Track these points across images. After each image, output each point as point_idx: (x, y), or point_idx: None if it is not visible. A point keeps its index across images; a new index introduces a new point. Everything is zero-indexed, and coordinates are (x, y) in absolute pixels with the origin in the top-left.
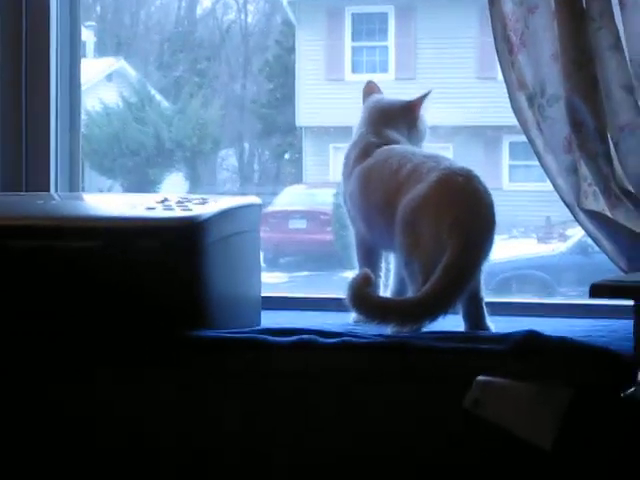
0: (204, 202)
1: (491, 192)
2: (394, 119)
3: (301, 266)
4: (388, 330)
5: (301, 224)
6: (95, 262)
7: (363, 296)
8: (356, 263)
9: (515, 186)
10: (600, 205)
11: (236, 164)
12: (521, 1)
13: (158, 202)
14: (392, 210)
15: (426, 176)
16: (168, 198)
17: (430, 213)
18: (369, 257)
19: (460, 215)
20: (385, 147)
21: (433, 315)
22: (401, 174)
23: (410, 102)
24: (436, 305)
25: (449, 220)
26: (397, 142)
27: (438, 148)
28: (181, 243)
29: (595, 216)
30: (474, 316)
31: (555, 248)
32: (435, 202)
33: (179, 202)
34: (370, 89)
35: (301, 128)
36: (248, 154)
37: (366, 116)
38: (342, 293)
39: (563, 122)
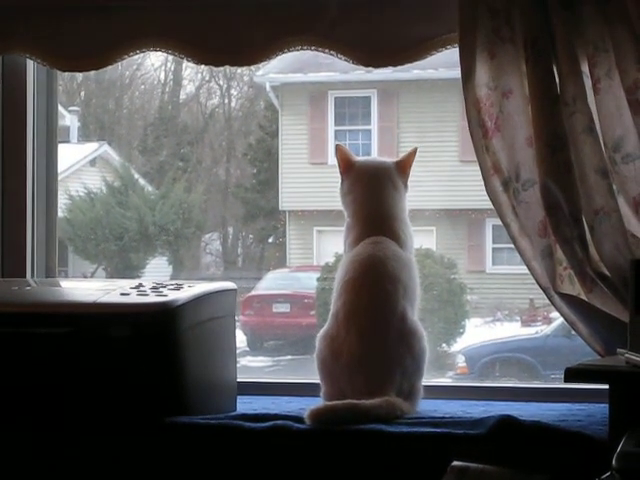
0: (179, 287)
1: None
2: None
3: (285, 350)
4: None
5: (285, 308)
6: (68, 348)
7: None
8: None
9: (498, 269)
10: (576, 289)
11: (220, 248)
12: (495, 85)
13: (133, 288)
14: None
15: None
16: (143, 284)
17: None
18: None
19: None
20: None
21: None
22: None
23: (401, 161)
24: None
25: None
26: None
27: (422, 231)
28: (154, 328)
29: (571, 300)
30: None
31: (539, 331)
32: None
33: (154, 288)
34: (343, 154)
35: (285, 212)
36: (232, 238)
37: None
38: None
39: (538, 206)
